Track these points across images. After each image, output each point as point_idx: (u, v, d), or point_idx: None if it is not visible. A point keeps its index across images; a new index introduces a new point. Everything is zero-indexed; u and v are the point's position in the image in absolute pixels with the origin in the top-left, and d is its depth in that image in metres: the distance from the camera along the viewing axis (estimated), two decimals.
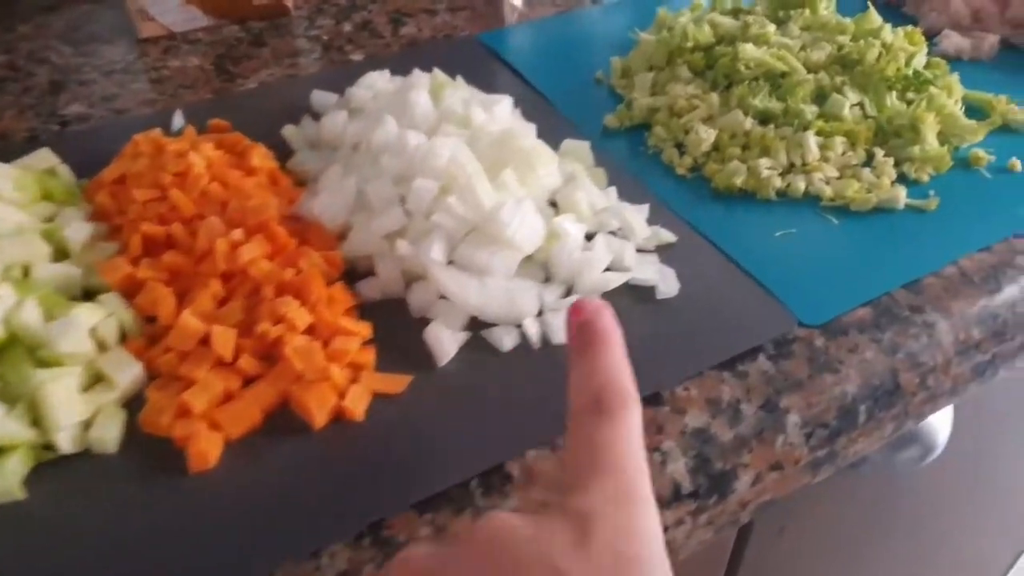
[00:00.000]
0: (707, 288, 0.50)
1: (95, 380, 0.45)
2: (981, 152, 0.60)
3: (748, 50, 0.62)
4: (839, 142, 0.58)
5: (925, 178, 0.58)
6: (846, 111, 0.60)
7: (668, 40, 0.67)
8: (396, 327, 0.48)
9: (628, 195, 0.57)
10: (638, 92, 0.66)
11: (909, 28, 0.69)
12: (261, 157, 0.57)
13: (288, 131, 0.63)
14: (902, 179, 0.58)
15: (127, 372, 0.44)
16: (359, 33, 0.82)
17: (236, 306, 0.46)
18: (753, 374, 0.46)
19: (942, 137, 0.60)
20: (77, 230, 0.52)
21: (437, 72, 0.63)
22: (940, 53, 0.74)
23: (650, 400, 0.44)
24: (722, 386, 0.45)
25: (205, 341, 0.45)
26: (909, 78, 0.62)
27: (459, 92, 0.60)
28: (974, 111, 0.65)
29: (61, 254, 0.52)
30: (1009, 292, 0.51)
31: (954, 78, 0.65)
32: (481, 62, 0.75)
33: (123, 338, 0.47)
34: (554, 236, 0.50)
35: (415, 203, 0.50)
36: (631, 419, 0.30)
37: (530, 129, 0.60)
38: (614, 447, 0.29)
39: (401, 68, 0.69)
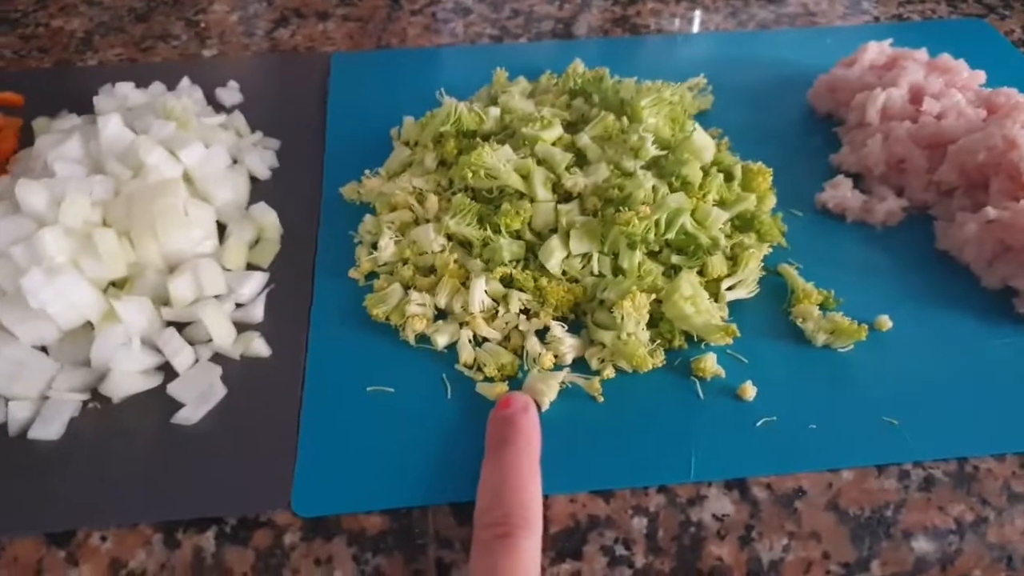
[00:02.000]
0: (239, 428, 0.43)
1: None
2: (710, 363, 0.46)
3: (484, 154, 0.51)
4: (518, 298, 0.47)
5: (609, 374, 0.46)
6: (553, 262, 0.48)
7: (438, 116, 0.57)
8: None
9: (288, 286, 0.51)
10: (385, 168, 0.57)
11: (757, 165, 0.54)
12: None
13: (37, 123, 0.61)
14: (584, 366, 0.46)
15: None
16: (235, 28, 0.78)
17: None
18: (187, 548, 0.39)
19: (670, 325, 0.47)
20: None
21: (177, 99, 0.59)
22: (820, 205, 0.57)
23: (57, 538, 0.39)
24: (140, 550, 0.39)
25: None
26: (668, 240, 0.48)
27: (167, 127, 0.55)
28: (778, 293, 0.50)
29: None
30: (590, 562, 0.39)
31: (755, 251, 0.50)
32: (308, 88, 0.69)
33: None
34: (110, 317, 0.45)
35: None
36: (531, 548, 0.35)
37: (229, 182, 0.54)
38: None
39: (229, 76, 0.68)
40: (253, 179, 0.58)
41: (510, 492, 0.37)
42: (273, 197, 0.56)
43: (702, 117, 0.66)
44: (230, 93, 0.66)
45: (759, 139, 0.64)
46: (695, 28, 0.79)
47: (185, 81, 0.65)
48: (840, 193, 0.57)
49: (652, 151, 0.52)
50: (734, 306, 0.50)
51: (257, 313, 0.48)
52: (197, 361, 0.45)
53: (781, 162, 0.60)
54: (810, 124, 0.66)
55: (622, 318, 0.45)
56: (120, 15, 0.79)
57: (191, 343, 0.46)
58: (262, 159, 0.59)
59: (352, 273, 0.51)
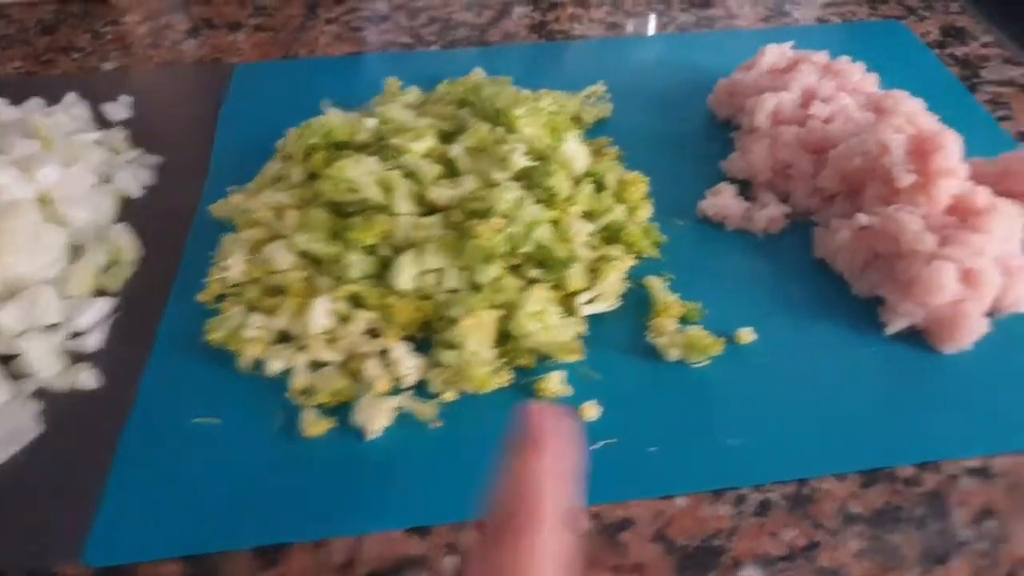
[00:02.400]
0: (47, 471, 0.41)
1: None
2: (553, 382, 0.44)
3: (345, 167, 0.49)
4: (363, 318, 0.45)
5: (450, 396, 0.44)
6: (404, 277, 0.46)
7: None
8: None
9: (138, 312, 0.49)
10: (254, 182, 0.56)
11: (633, 175, 0.53)
12: None
13: None
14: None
15: None
16: (143, 39, 0.77)
17: None
18: None
19: (518, 342, 0.45)
20: None
21: (48, 115, 0.58)
22: (701, 214, 0.55)
23: None
24: None
25: None
26: (529, 253, 0.47)
27: (31, 146, 0.54)
28: (644, 307, 0.48)
29: None
30: None
31: (616, 264, 0.48)
32: (205, 101, 0.67)
33: None
34: None
35: None
36: (534, 545, 0.28)
37: (90, 202, 0.53)
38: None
39: (125, 90, 0.66)
40: (128, 198, 0.57)
41: (523, 486, 0.30)
42: (143, 216, 0.55)
43: (602, 125, 0.64)
44: (118, 108, 0.65)
45: (657, 146, 0.62)
46: (612, 33, 0.77)
47: (70, 96, 0.64)
48: (720, 201, 0.55)
49: (521, 162, 0.50)
50: (595, 321, 0.47)
51: (94, 342, 0.47)
52: (14, 398, 0.44)
53: (674, 169, 0.58)
54: (711, 130, 0.64)
55: (464, 336, 0.43)
56: (27, 27, 0.78)
57: (17, 377, 0.45)
58: (135, 177, 0.57)
59: (200, 296, 0.50)
